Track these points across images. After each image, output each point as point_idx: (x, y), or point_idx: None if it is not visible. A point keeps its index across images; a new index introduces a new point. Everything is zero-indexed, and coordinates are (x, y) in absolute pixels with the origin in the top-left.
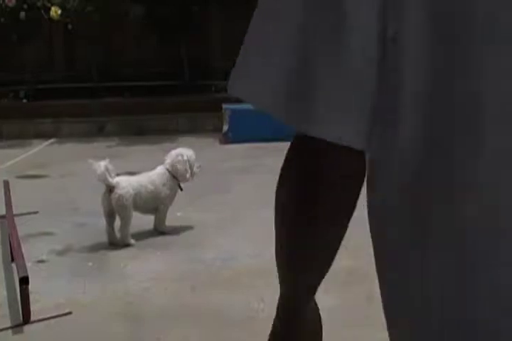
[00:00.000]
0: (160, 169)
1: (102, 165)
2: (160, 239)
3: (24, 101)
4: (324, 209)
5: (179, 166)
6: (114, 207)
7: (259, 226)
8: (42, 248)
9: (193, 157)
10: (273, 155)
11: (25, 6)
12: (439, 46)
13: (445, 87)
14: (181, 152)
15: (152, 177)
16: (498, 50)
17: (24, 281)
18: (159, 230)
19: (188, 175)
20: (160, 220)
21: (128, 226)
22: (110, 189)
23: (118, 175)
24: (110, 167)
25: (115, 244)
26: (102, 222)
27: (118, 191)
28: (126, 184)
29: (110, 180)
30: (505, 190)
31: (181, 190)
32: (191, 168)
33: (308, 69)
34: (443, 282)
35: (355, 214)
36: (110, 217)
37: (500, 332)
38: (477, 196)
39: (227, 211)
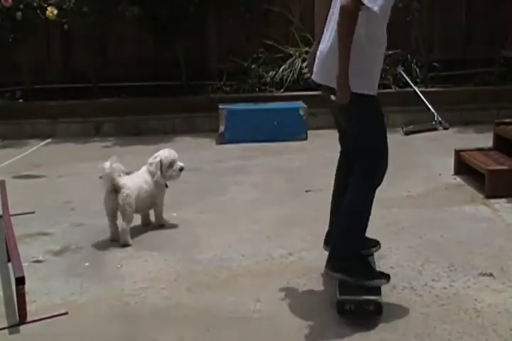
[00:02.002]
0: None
1: (108, 164)
2: (156, 239)
3: (20, 101)
4: None
5: (150, 168)
6: (120, 206)
7: (255, 226)
8: (38, 248)
9: (170, 158)
10: (269, 156)
11: (21, 6)
12: None
13: None
14: (158, 153)
15: (146, 177)
16: None
17: (20, 281)
18: (160, 223)
19: (156, 176)
20: (159, 214)
21: (129, 225)
22: (116, 189)
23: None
24: (118, 165)
25: (116, 241)
26: (99, 222)
27: (125, 191)
28: (131, 184)
29: (118, 180)
30: None
31: (166, 186)
32: (165, 169)
33: None
34: None
35: None
36: (113, 216)
37: None
38: None
39: (224, 211)
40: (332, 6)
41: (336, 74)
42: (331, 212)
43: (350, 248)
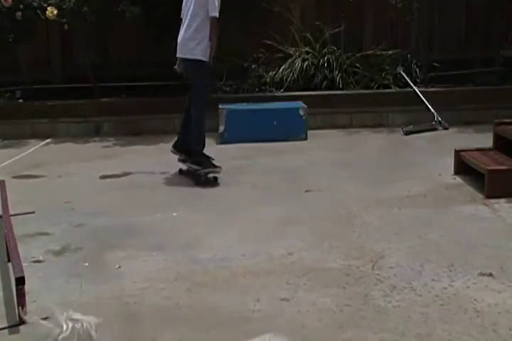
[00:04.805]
0: None
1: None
2: (156, 239)
3: (20, 101)
4: None
5: None
6: None
7: (254, 226)
8: (38, 248)
9: None
10: (268, 156)
11: (21, 6)
12: None
13: None
14: None
15: None
16: None
17: (20, 281)
18: None
19: None
20: None
21: None
22: None
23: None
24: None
25: None
26: (99, 222)
27: None
28: None
29: None
30: None
31: None
32: None
33: None
34: None
35: (349, 219)
36: None
37: None
38: None
39: (224, 211)
40: (184, 9)
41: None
42: (181, 130)
43: (200, 145)
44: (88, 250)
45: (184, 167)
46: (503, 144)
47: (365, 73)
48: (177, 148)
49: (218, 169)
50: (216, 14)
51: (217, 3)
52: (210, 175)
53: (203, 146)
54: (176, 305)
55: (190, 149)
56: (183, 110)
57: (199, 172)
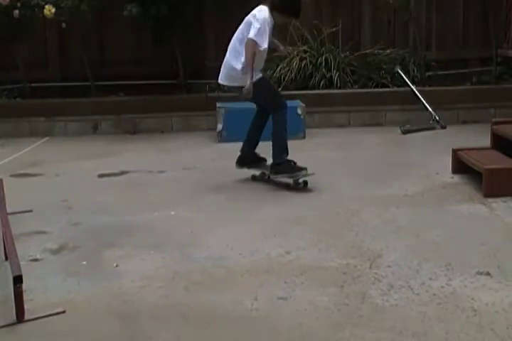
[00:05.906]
0: None
1: None
2: (153, 238)
3: (18, 99)
4: None
5: None
6: None
7: (252, 225)
8: (36, 246)
9: None
10: (267, 155)
11: (18, 5)
12: None
13: None
14: None
15: None
16: None
17: (18, 280)
18: None
19: None
20: None
21: None
22: None
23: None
24: None
25: None
26: (96, 220)
27: None
28: None
29: None
30: None
31: None
32: None
33: None
34: None
35: (347, 217)
36: None
37: None
38: None
39: (221, 210)
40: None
41: (233, 79)
42: (247, 145)
43: (282, 155)
44: (86, 248)
45: (257, 172)
46: (500, 143)
47: (363, 72)
48: (242, 163)
49: (304, 172)
50: (254, 37)
51: (263, 32)
52: (300, 181)
53: (287, 154)
54: (174, 304)
55: (258, 157)
56: (251, 130)
57: (289, 183)
